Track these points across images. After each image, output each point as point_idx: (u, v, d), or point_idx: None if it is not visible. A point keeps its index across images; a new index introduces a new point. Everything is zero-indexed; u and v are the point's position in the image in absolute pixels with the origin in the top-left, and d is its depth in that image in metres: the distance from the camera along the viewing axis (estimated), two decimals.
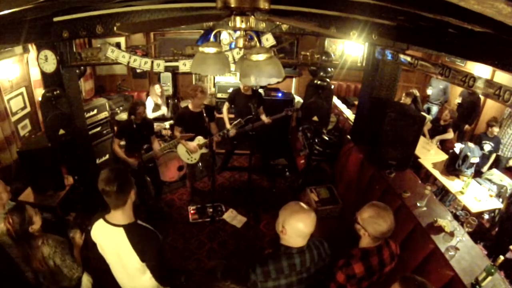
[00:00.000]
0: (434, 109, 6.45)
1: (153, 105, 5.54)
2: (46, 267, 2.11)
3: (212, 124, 4.20)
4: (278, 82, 6.04)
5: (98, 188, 1.72)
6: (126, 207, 1.79)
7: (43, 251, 2.08)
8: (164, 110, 5.72)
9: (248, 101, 4.34)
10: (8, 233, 2.05)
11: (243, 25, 1.51)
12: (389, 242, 1.91)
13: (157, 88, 5.56)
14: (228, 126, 4.61)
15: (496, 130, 4.64)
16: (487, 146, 4.66)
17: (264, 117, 4.64)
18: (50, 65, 3.32)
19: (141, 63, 3.41)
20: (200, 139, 4.12)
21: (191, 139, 4.10)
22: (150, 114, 5.37)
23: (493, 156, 4.72)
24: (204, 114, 3.96)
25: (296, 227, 1.61)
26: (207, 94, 4.63)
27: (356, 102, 6.04)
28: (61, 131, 3.49)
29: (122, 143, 3.99)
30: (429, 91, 6.38)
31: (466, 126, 5.78)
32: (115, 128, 4.74)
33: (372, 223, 1.77)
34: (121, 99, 5.98)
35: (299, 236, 1.64)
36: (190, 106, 4.06)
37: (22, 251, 2.09)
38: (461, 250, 2.45)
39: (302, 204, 1.69)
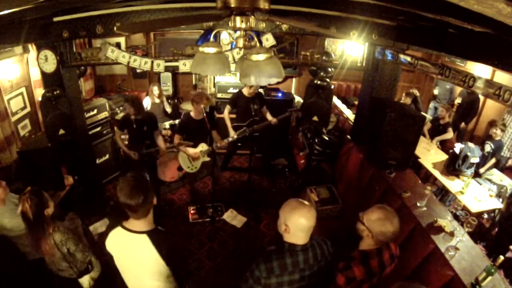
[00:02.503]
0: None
1: (150, 104, 5.60)
2: (59, 254, 2.15)
3: (214, 132, 4.12)
4: (278, 82, 6.09)
5: (119, 200, 1.63)
6: (149, 216, 1.75)
7: (55, 238, 2.12)
8: (168, 110, 5.89)
9: (249, 103, 4.33)
10: (24, 216, 2.09)
11: (243, 25, 1.51)
12: (389, 244, 1.90)
13: (155, 89, 5.62)
14: (230, 129, 4.58)
15: (499, 134, 4.61)
16: (487, 147, 4.65)
17: (269, 117, 4.63)
18: (50, 65, 3.32)
19: (141, 63, 3.41)
20: (203, 146, 4.05)
21: (194, 145, 4.04)
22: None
23: (492, 160, 4.65)
24: (206, 120, 3.93)
25: (298, 222, 1.63)
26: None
27: (356, 102, 6.04)
28: (61, 131, 3.49)
29: (123, 136, 4.10)
30: (436, 91, 6.37)
31: (462, 124, 5.77)
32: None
33: (380, 225, 1.76)
34: (121, 99, 5.97)
35: (302, 231, 1.65)
36: (192, 114, 3.96)
37: (35, 235, 2.12)
38: (461, 250, 2.45)
39: (300, 200, 1.71)
